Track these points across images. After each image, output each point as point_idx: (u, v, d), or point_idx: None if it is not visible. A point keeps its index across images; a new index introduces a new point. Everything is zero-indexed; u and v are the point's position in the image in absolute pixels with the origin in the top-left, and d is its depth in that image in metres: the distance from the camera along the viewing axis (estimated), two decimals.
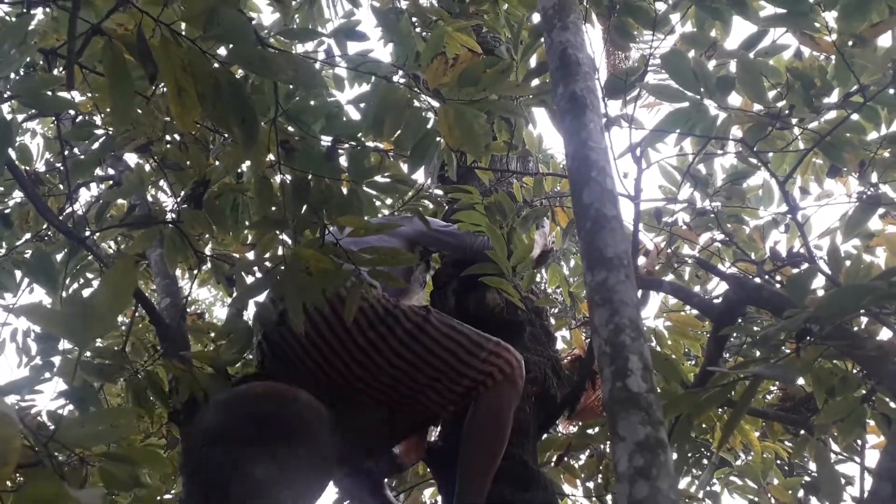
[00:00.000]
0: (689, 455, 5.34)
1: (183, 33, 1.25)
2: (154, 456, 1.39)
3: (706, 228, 2.95)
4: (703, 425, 3.39)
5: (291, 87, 2.24)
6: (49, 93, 1.80)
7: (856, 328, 2.03)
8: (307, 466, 1.97)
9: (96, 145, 2.61)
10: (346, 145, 2.35)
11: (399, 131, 1.99)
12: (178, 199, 2.54)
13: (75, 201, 3.25)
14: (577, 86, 1.44)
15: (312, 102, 2.29)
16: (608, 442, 3.61)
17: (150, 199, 3.19)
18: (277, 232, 2.40)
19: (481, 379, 2.39)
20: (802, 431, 3.06)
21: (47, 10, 2.05)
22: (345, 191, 2.38)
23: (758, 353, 2.08)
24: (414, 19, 3.31)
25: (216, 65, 1.29)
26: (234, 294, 2.60)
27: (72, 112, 2.71)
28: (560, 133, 1.45)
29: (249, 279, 2.38)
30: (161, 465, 1.35)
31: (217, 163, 2.54)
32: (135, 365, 2.48)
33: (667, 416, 1.44)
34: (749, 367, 1.39)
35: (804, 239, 2.00)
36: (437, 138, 1.98)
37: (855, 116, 2.39)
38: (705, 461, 4.36)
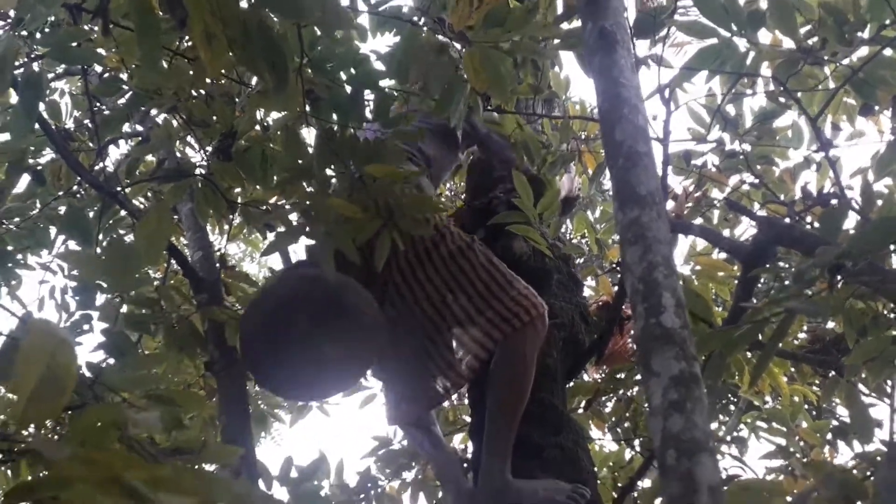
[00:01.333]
0: (717, 400, 5.36)
1: None
2: (195, 398, 1.43)
3: (736, 170, 2.92)
4: (732, 368, 3.40)
5: (317, 35, 2.23)
6: (76, 46, 1.81)
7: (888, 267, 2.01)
8: (364, 354, 2.25)
9: (123, 101, 2.63)
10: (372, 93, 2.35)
11: (425, 76, 1.97)
12: (207, 153, 2.55)
13: (105, 157, 3.29)
14: (607, 21, 1.42)
15: (338, 51, 2.28)
16: (636, 387, 3.66)
17: (178, 154, 3.21)
18: (305, 183, 2.41)
19: (508, 316, 2.43)
20: (832, 373, 3.06)
21: None
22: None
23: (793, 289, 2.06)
24: None
25: (245, 6, 1.29)
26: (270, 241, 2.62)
27: (98, 68, 2.71)
28: (589, 73, 1.44)
29: (281, 229, 2.39)
30: (202, 406, 1.39)
31: (243, 115, 2.54)
32: (171, 314, 2.52)
33: (699, 353, 1.45)
34: (781, 304, 1.39)
35: (836, 177, 1.98)
36: (464, 82, 1.97)
37: (888, 52, 2.33)
38: (732, 406, 4.38)
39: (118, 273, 0.92)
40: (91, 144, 3.02)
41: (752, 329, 1.41)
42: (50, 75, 2.65)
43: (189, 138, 3.00)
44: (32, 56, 1.73)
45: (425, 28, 1.98)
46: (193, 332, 2.46)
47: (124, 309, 2.75)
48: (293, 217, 2.33)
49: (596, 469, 3.13)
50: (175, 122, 2.71)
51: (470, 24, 1.79)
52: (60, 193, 2.79)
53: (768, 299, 1.65)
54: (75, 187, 3.10)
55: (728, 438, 4.27)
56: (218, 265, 3.05)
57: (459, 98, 1.99)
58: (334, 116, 2.37)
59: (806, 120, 2.20)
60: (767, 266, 2.24)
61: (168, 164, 2.82)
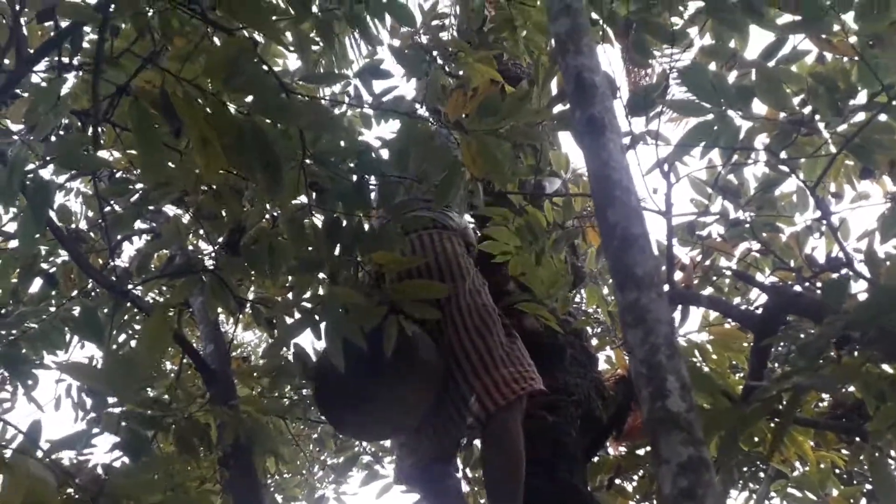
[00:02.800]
0: (745, 469, 5.23)
1: (209, 88, 1.29)
2: (206, 500, 1.41)
3: (741, 239, 2.91)
4: (756, 438, 3.32)
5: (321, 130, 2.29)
6: (85, 152, 1.86)
7: None
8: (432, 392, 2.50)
9: (134, 199, 2.68)
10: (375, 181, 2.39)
11: (425, 165, 2.01)
12: (216, 247, 2.59)
13: (118, 255, 3.34)
14: (595, 109, 1.44)
15: (342, 143, 2.33)
16: None
17: (190, 247, 3.26)
18: (314, 273, 2.44)
19: (503, 392, 2.44)
20: (858, 439, 2.99)
21: (79, 73, 2.12)
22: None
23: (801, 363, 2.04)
24: (434, 52, 3.35)
25: (238, 115, 1.33)
26: (275, 336, 2.63)
27: (107, 170, 2.79)
28: (582, 153, 1.46)
29: (290, 321, 2.40)
30: None
31: (250, 208, 2.59)
32: (180, 413, 2.52)
33: (710, 433, 1.42)
34: (791, 378, 1.37)
35: (839, 243, 1.97)
36: (462, 169, 2.00)
37: (883, 117, 2.36)
38: (761, 474, 4.26)
39: (119, 384, 0.92)
40: (102, 243, 3.07)
41: (763, 406, 1.39)
42: (61, 178, 2.71)
43: (200, 231, 3.05)
44: (40, 163, 1.77)
45: (423, 119, 2.02)
46: (198, 430, 2.45)
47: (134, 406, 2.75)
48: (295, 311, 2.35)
49: None
50: (185, 218, 2.77)
51: (465, 112, 1.83)
52: (74, 294, 2.82)
53: (780, 373, 1.63)
54: (90, 285, 3.14)
55: None
56: (228, 357, 3.06)
57: (458, 184, 2.02)
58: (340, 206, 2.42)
59: (806, 188, 2.21)
60: (779, 334, 2.22)
61: (179, 259, 2.86)
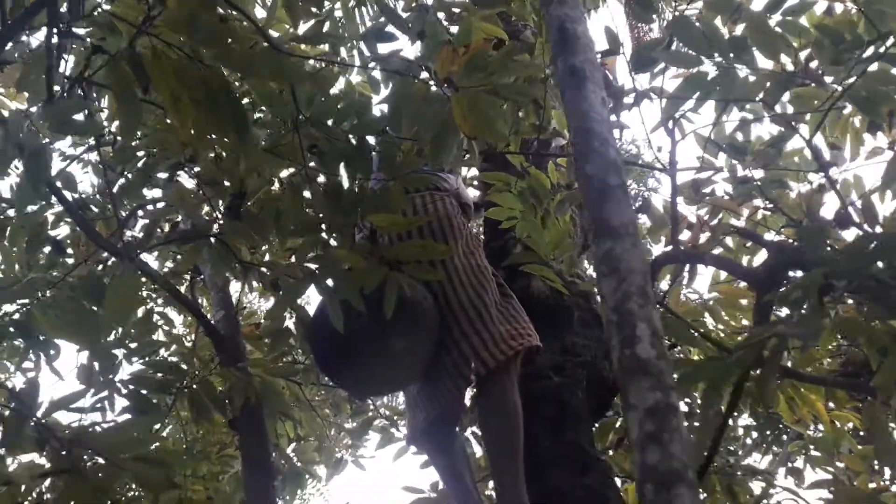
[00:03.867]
0: (768, 433, 5.23)
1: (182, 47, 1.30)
2: (188, 457, 1.44)
3: (750, 197, 2.88)
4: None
5: (314, 92, 2.29)
6: (79, 117, 1.88)
7: None
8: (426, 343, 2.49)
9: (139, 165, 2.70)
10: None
11: (417, 124, 2.00)
12: (218, 213, 2.61)
13: (133, 225, 3.38)
14: (577, 59, 1.43)
15: (339, 105, 2.33)
16: None
17: (203, 215, 3.28)
18: (315, 235, 2.45)
19: (491, 352, 2.46)
20: (868, 398, 2.95)
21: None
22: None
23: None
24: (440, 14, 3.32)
25: (206, 69, 1.33)
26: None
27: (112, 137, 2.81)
28: (563, 107, 1.45)
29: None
30: (195, 466, 1.40)
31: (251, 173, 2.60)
32: (192, 378, 2.57)
33: (688, 384, 1.42)
34: (775, 328, 1.36)
35: (839, 197, 1.94)
36: (456, 128, 1.99)
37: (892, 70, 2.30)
38: (785, 437, 4.24)
39: (83, 335, 0.94)
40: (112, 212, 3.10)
41: (744, 356, 1.38)
42: (65, 146, 2.74)
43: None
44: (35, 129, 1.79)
45: (416, 78, 2.01)
46: (210, 394, 2.50)
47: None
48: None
49: None
50: (190, 183, 2.79)
51: (454, 70, 1.82)
52: (82, 262, 2.86)
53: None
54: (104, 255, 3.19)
55: (782, 471, 4.14)
56: (237, 322, 3.10)
57: (452, 143, 2.01)
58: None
59: (804, 142, 2.17)
60: (781, 291, 2.20)
61: (184, 226, 2.89)
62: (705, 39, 1.87)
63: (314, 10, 2.86)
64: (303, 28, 3.16)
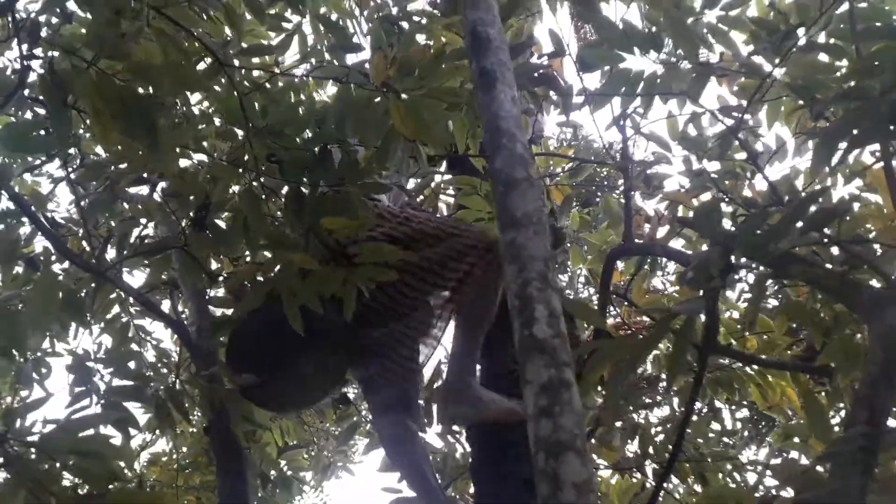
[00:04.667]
0: (762, 425, 5.30)
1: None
2: (126, 451, 1.51)
3: (703, 189, 2.94)
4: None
5: (269, 102, 2.36)
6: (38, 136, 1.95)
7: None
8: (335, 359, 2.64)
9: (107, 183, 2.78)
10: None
11: (361, 130, 2.07)
12: (183, 225, 2.68)
13: (108, 241, 3.45)
14: (488, 60, 1.51)
15: (294, 115, 2.40)
16: (639, 411, 3.66)
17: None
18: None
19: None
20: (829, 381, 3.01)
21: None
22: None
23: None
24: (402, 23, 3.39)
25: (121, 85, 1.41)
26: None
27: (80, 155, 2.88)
28: (478, 104, 1.52)
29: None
30: (130, 460, 1.47)
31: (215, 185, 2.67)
32: (158, 385, 2.64)
33: (602, 362, 1.49)
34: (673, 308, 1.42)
35: (767, 181, 2.01)
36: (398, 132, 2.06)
37: (825, 57, 2.38)
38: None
39: (10, 335, 1.01)
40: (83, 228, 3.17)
41: (655, 334, 1.44)
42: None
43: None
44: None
45: (360, 86, 2.08)
46: (175, 401, 2.57)
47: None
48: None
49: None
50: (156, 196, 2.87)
51: (389, 75, 1.89)
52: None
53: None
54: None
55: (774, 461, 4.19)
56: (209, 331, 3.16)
57: (396, 148, 2.08)
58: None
59: (731, 131, 2.24)
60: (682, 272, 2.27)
61: (151, 239, 2.96)
62: (625, 36, 1.95)
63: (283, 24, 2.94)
64: (275, 41, 3.25)
